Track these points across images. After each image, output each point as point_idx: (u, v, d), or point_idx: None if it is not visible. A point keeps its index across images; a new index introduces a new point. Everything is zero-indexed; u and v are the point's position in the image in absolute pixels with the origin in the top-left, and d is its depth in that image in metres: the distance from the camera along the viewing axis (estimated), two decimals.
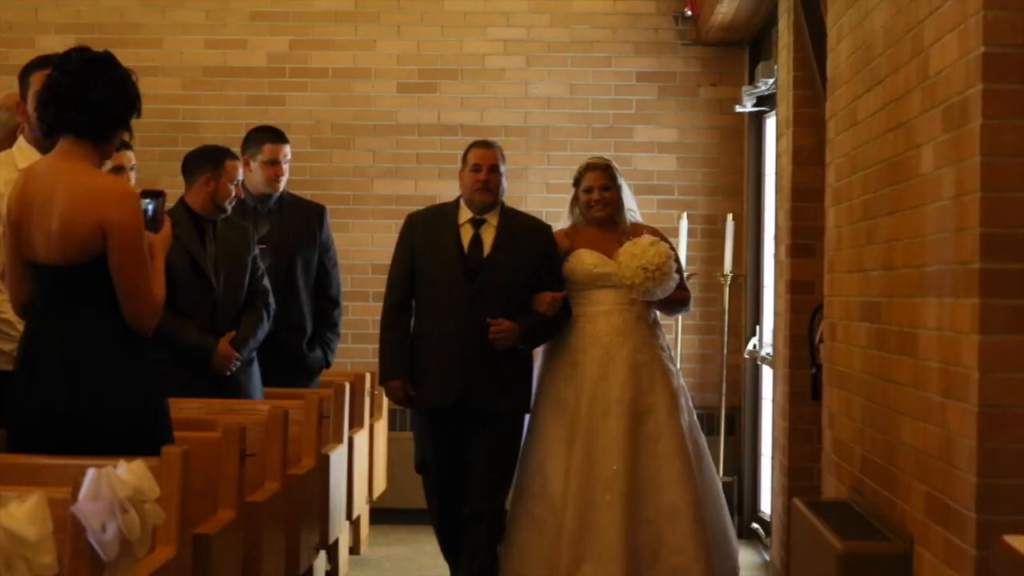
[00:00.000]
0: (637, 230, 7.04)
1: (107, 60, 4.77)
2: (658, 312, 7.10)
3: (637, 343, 6.90)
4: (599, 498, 6.71)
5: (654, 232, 7.08)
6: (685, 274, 7.31)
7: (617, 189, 7.03)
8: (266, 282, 6.95)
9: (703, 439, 7.07)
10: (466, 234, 6.85)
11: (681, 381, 7.10)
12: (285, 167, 7.53)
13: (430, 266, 6.82)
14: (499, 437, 6.78)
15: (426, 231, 6.90)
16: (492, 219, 6.89)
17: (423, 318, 6.85)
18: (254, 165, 7.43)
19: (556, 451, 6.83)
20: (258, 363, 6.94)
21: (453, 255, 6.80)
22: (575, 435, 6.80)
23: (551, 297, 6.77)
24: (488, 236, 6.85)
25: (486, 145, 6.99)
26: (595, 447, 6.76)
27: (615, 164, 7.15)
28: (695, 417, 7.07)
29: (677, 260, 7.05)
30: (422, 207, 7.35)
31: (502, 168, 6.93)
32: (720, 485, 7.16)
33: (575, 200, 7.10)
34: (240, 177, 6.88)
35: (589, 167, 7.07)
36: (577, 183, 7.09)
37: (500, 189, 6.92)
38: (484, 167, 6.85)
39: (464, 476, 6.77)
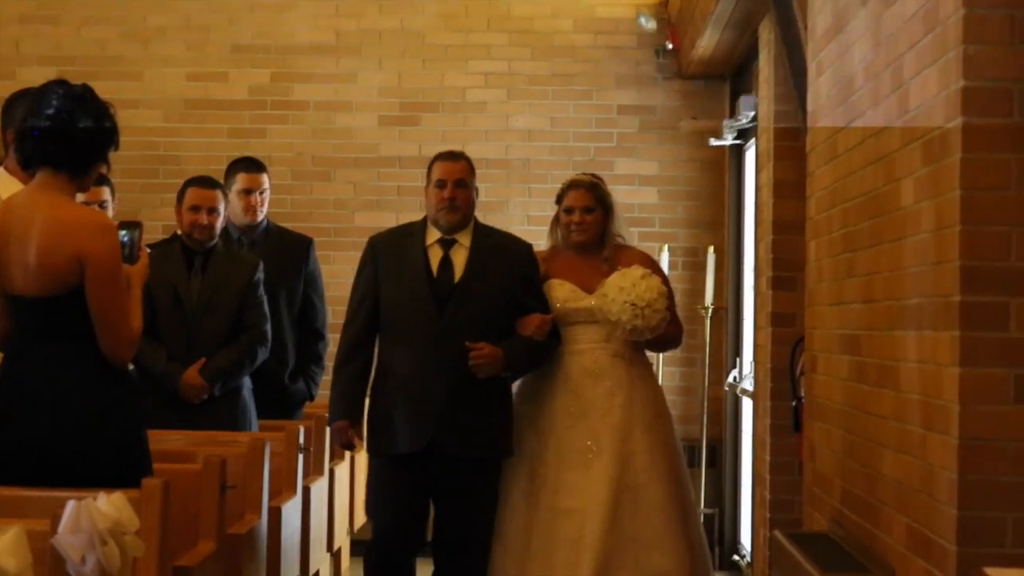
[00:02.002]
0: (624, 256, 6.34)
1: (85, 93, 4.76)
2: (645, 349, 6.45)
3: (612, 385, 6.20)
4: (562, 557, 6.00)
5: (644, 259, 6.42)
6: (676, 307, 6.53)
7: (603, 211, 6.34)
8: (264, 312, 6.90)
9: (691, 492, 6.43)
10: (435, 257, 6.15)
11: (671, 425, 6.42)
12: (260, 197, 7.49)
13: (395, 294, 6.12)
14: (479, 489, 6.08)
15: (390, 255, 6.20)
16: (463, 239, 6.18)
17: (388, 353, 6.16)
18: (231, 195, 7.42)
19: (514, 504, 6.14)
20: (251, 394, 6.93)
21: (421, 281, 6.09)
22: (539, 488, 6.12)
23: (540, 319, 6.12)
24: (459, 258, 6.14)
25: (452, 157, 6.25)
26: (560, 501, 6.06)
27: (603, 183, 6.46)
28: (684, 467, 6.38)
29: (670, 293, 6.35)
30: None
31: (471, 183, 6.22)
32: (706, 543, 6.40)
33: (556, 220, 6.44)
34: (200, 203, 6.81)
35: (572, 185, 6.39)
36: (559, 200, 6.44)
37: (469, 206, 6.21)
38: (449, 183, 6.14)
39: (420, 541, 6.13)
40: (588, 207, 6.33)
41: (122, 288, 4.69)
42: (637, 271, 6.19)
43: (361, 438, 6.23)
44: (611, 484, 6.06)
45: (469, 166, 6.25)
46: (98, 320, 4.64)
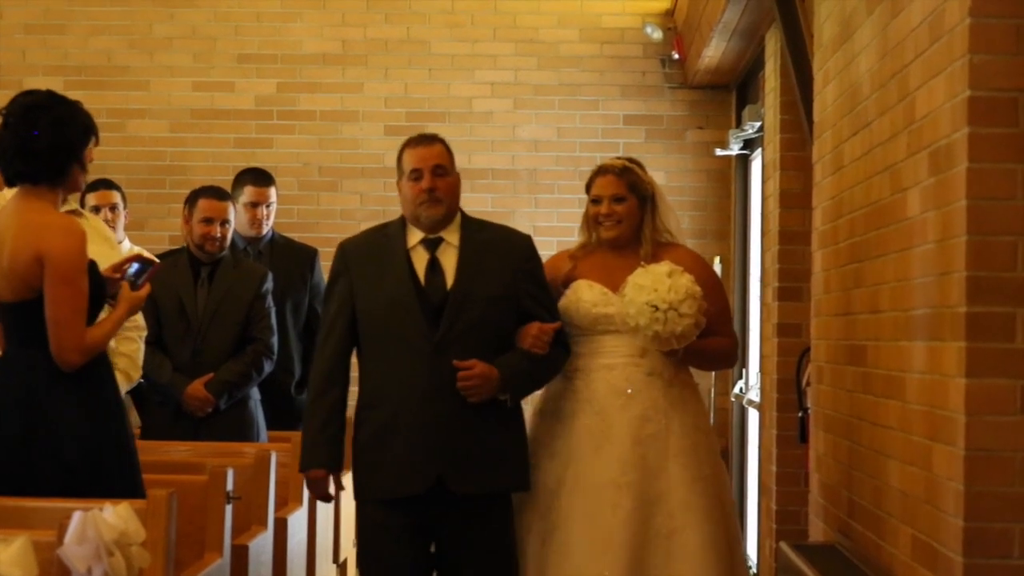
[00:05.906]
0: (666, 257, 5.31)
1: (45, 102, 4.77)
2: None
3: (646, 408, 5.21)
4: None
5: (690, 258, 5.37)
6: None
7: (638, 201, 5.35)
8: (271, 325, 6.90)
9: (739, 537, 5.49)
10: (420, 260, 5.11)
11: (716, 456, 5.40)
12: (267, 210, 7.48)
13: (376, 308, 5.10)
14: (494, 527, 5.14)
15: (366, 263, 5.18)
16: (451, 236, 5.14)
17: (372, 378, 5.12)
18: (238, 207, 7.41)
19: (526, 545, 5.22)
20: (259, 405, 6.93)
21: (406, 291, 5.05)
22: (553, 527, 5.18)
23: (539, 329, 5.09)
24: (449, 260, 5.11)
25: (424, 141, 5.18)
26: (576, 544, 5.11)
27: (639, 168, 5.43)
28: (730, 506, 5.43)
29: (721, 296, 5.45)
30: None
31: (452, 168, 5.16)
32: None
33: (586, 213, 5.46)
34: (213, 215, 6.79)
35: (600, 170, 5.42)
36: (588, 189, 5.46)
37: (453, 196, 5.15)
38: (425, 171, 5.09)
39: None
40: (618, 196, 5.34)
41: (78, 290, 4.67)
42: (663, 267, 5.18)
43: (340, 485, 5.23)
44: (638, 529, 5.11)
45: (446, 148, 5.20)
46: (49, 318, 4.66)
